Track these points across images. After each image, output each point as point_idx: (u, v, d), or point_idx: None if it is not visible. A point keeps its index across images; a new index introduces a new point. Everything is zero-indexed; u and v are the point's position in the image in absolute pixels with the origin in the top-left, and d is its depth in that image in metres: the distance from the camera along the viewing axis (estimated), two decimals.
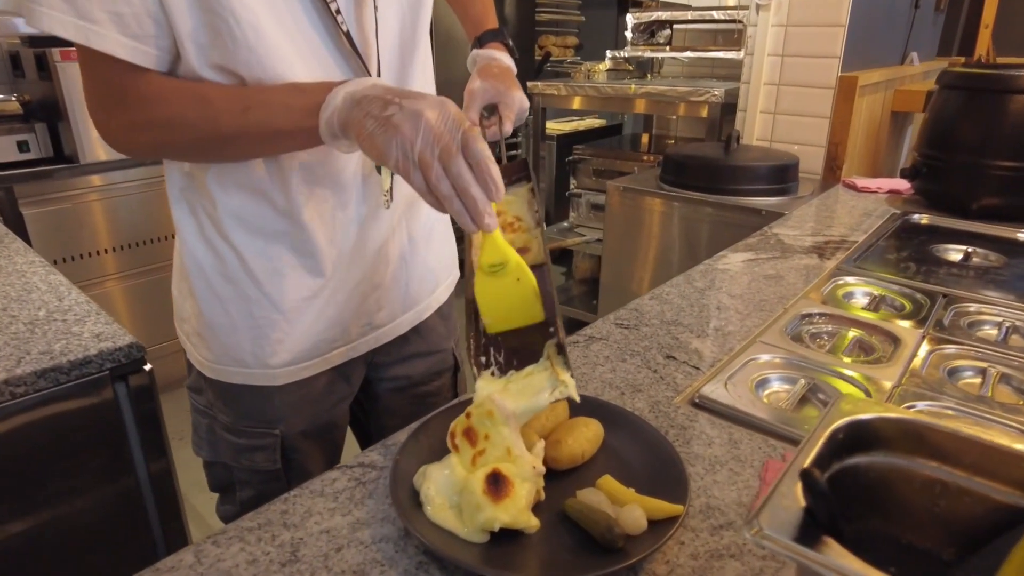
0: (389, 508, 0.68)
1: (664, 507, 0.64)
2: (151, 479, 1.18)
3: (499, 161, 0.80)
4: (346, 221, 0.85)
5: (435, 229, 1.01)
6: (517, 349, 0.69)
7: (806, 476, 0.40)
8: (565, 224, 3.13)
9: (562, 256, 3.69)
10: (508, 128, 0.91)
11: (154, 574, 0.60)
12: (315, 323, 0.87)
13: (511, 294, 0.65)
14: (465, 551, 0.60)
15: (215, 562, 0.61)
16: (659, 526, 0.63)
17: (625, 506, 0.63)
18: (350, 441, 1.08)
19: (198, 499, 2.08)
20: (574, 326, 3.44)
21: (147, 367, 1.13)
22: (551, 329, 0.67)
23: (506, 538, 0.63)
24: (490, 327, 0.68)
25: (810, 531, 0.37)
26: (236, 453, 0.92)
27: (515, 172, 0.79)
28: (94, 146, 2.47)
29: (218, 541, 0.63)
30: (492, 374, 0.69)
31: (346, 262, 0.87)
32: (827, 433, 0.47)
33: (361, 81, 0.67)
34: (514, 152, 3.48)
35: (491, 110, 0.92)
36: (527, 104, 0.95)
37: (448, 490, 0.65)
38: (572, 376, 0.64)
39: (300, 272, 0.84)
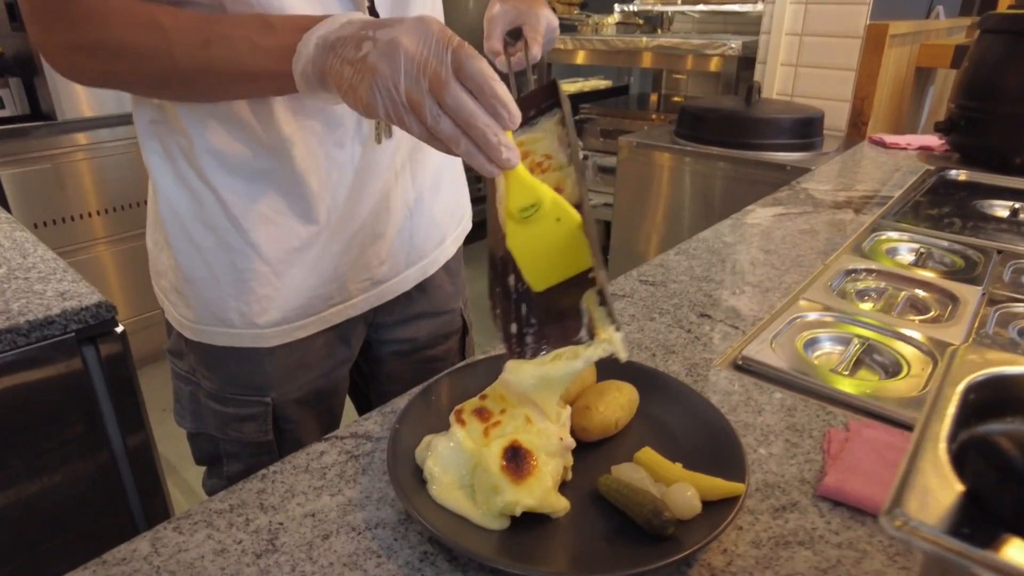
0: (387, 487, 0.57)
1: (720, 485, 0.53)
2: (128, 453, 1.07)
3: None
4: (342, 161, 0.73)
5: (443, 174, 0.89)
6: (553, 308, 0.57)
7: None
8: None
9: None
10: (536, 52, 0.78)
11: (101, 566, 0.49)
12: (308, 277, 0.76)
13: (553, 239, 0.53)
14: (480, 540, 0.50)
15: (175, 552, 0.50)
16: (713, 508, 0.52)
17: (673, 485, 0.52)
18: (348, 411, 0.98)
19: (190, 472, 1.99)
20: None
21: (119, 329, 1.02)
22: (590, 276, 0.55)
23: (528, 523, 0.52)
24: (535, 285, 0.56)
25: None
26: (222, 423, 0.82)
27: (541, 100, 0.66)
28: (75, 102, 2.32)
29: (180, 527, 0.52)
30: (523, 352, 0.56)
31: (342, 208, 0.75)
32: (959, 392, 0.35)
33: (334, 20, 0.55)
34: None
35: (515, 35, 0.80)
36: (556, 22, 0.82)
37: (457, 466, 0.54)
38: (619, 330, 0.52)
39: (289, 218, 0.73)
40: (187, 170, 0.71)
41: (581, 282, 0.55)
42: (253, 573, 0.48)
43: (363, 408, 1.03)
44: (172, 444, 2.10)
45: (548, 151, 0.64)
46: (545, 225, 0.53)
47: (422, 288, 0.89)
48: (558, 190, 0.60)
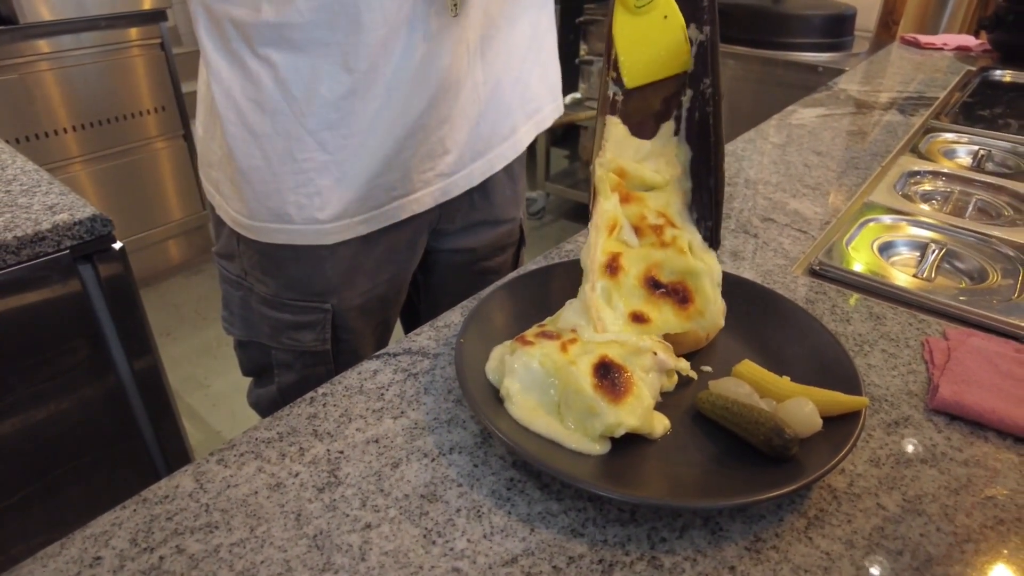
0: (456, 407, 0.50)
1: (839, 399, 0.47)
2: (135, 376, 1.01)
3: None
4: (411, 31, 0.62)
5: (518, 58, 0.77)
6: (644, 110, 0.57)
7: None
8: (577, 96, 2.84)
9: (567, 134, 3.41)
10: None
11: (142, 505, 0.43)
12: (369, 163, 0.67)
13: (656, 35, 0.54)
14: (576, 464, 0.44)
15: (224, 488, 0.44)
16: (830, 426, 0.46)
17: (787, 400, 0.46)
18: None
19: (193, 397, 1.95)
20: (585, 212, 3.21)
21: (117, 245, 0.93)
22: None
23: (620, 446, 0.46)
24: (630, 80, 0.56)
25: None
26: (276, 331, 0.75)
27: None
28: (34, 3, 2.11)
29: (225, 459, 0.46)
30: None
31: (407, 87, 0.65)
32: None
33: None
34: None
35: None
36: None
37: (539, 386, 0.47)
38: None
39: (351, 100, 0.62)
40: (238, 41, 0.61)
41: (673, 86, 0.56)
42: (317, 509, 0.42)
43: (409, 323, 0.96)
44: (174, 369, 2.04)
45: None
46: (653, 19, 0.53)
47: (485, 194, 0.80)
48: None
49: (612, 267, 0.52)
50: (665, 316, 0.51)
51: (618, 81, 0.57)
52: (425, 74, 0.64)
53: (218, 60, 0.62)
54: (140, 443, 1.05)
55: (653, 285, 0.52)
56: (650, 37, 0.54)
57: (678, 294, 0.52)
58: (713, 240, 0.55)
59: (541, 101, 0.82)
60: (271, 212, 0.66)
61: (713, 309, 0.53)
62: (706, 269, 0.53)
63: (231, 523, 0.41)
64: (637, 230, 0.54)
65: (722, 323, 0.54)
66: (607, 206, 0.54)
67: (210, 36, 0.62)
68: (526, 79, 0.78)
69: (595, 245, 0.52)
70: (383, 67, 0.61)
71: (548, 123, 0.85)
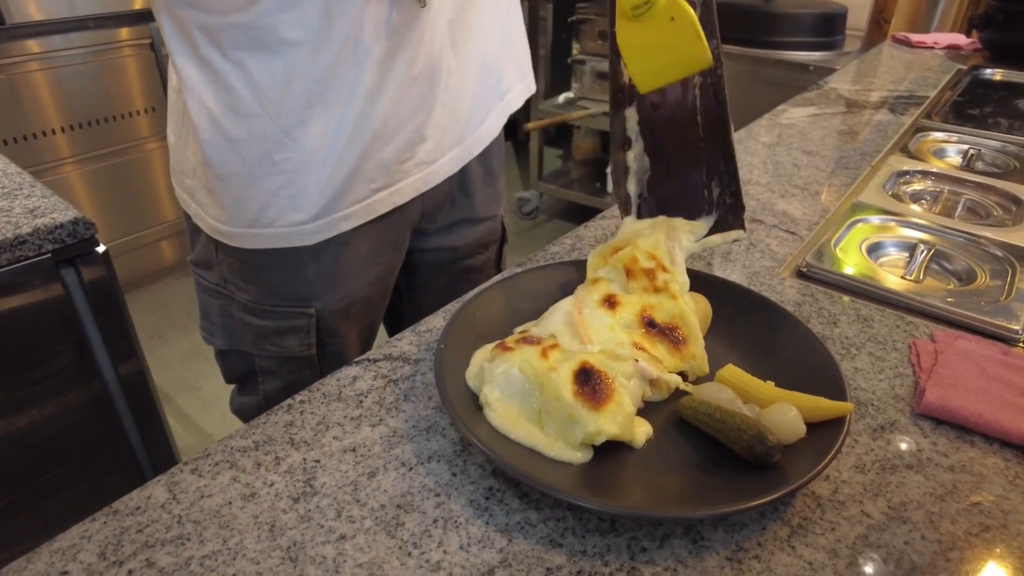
0: (435, 415, 0.50)
1: (824, 405, 0.46)
2: (121, 381, 1.00)
3: None
4: (379, 21, 0.62)
5: (487, 43, 0.77)
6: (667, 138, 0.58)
7: None
8: (570, 95, 2.83)
9: (560, 134, 3.41)
10: None
11: (113, 517, 0.42)
12: (347, 157, 0.65)
13: (665, 39, 0.50)
14: (555, 473, 0.43)
15: (197, 499, 0.43)
16: (814, 431, 0.45)
17: (771, 406, 0.46)
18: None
19: (184, 399, 1.93)
20: (578, 212, 3.21)
21: (100, 248, 0.92)
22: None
23: (601, 453, 0.45)
24: (642, 85, 0.54)
25: None
26: (259, 338, 0.74)
27: None
28: (23, 4, 2.10)
29: (199, 468, 0.45)
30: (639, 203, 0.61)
31: (378, 75, 0.64)
32: None
33: None
34: None
35: None
36: None
37: (520, 393, 0.47)
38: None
39: (324, 95, 0.62)
40: (206, 44, 0.59)
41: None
42: (292, 520, 0.41)
43: (393, 326, 0.95)
44: (164, 372, 2.03)
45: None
46: (658, 23, 0.50)
47: (465, 191, 0.80)
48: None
49: (611, 302, 0.53)
50: (661, 354, 0.51)
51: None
52: (395, 63, 0.64)
53: (187, 66, 0.61)
54: (127, 448, 1.04)
55: (649, 324, 0.52)
56: (658, 42, 0.50)
57: (672, 335, 0.52)
58: (737, 204, 0.59)
59: (511, 81, 0.81)
60: (251, 217, 0.65)
61: (703, 355, 0.52)
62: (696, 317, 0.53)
63: (203, 535, 0.40)
64: (629, 272, 0.55)
65: (706, 368, 0.53)
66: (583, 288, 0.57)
67: (178, 42, 0.61)
68: (496, 61, 0.78)
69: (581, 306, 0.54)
70: (352, 59, 0.61)
71: (519, 103, 0.84)
